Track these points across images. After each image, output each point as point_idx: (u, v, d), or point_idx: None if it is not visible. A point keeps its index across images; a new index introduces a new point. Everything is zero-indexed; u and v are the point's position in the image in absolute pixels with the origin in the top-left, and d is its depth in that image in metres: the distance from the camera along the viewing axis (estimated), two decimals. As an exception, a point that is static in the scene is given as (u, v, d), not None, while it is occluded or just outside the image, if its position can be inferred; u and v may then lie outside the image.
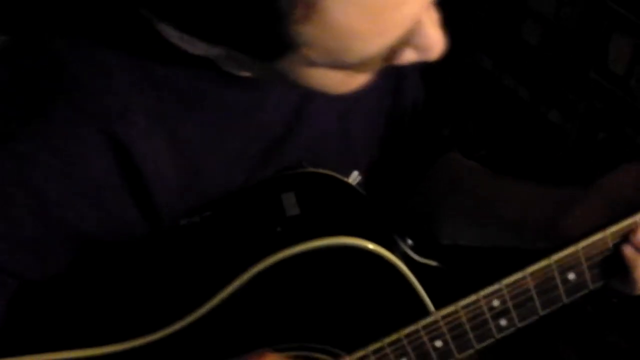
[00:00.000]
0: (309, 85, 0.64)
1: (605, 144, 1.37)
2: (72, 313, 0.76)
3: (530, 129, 1.50)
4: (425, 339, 0.75)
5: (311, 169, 0.79)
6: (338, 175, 0.80)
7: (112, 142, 0.67)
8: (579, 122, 1.41)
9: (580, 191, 0.77)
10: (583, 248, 0.72)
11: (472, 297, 0.73)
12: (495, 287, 0.73)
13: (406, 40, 0.60)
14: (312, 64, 0.59)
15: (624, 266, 0.73)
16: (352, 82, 0.64)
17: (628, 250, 0.72)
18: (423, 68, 0.86)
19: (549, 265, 0.72)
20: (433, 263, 0.77)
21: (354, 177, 0.84)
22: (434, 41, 0.61)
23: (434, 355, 0.75)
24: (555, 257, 0.72)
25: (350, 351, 0.76)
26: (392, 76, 0.83)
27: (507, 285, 0.73)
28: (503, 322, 0.74)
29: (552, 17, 1.39)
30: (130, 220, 0.72)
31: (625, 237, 0.72)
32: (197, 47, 0.61)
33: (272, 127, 0.76)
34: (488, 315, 0.74)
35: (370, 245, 0.72)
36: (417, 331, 0.74)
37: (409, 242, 0.77)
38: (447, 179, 0.89)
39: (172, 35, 0.61)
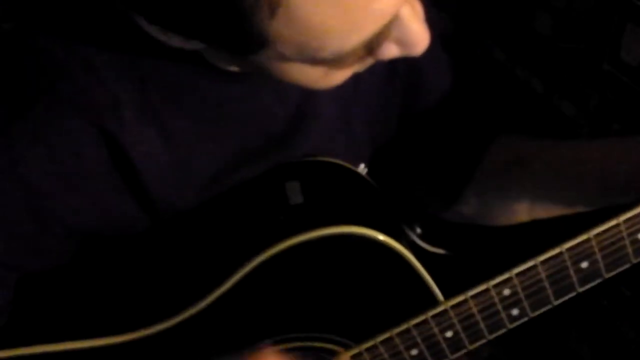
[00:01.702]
0: (289, 80, 0.62)
1: (619, 136, 1.35)
2: (77, 304, 0.75)
3: (543, 121, 1.48)
4: (435, 329, 0.73)
5: (317, 158, 0.78)
6: (344, 163, 0.79)
7: (102, 135, 0.66)
8: (592, 114, 1.39)
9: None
10: (595, 236, 0.70)
11: (482, 287, 0.71)
12: (506, 276, 0.71)
13: (384, 37, 0.58)
14: (287, 59, 0.58)
15: None
16: (333, 77, 0.63)
17: None
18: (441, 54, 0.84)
19: (560, 254, 0.70)
20: (442, 251, 0.75)
21: (361, 170, 0.83)
22: (415, 36, 0.59)
23: (444, 345, 0.74)
24: (567, 245, 0.70)
25: (358, 341, 0.74)
26: (401, 66, 0.81)
27: (518, 274, 0.71)
28: (515, 311, 0.73)
29: (563, 7, 1.37)
30: (127, 213, 0.71)
31: None
32: (174, 41, 0.60)
33: (273, 121, 0.75)
34: (499, 305, 0.72)
35: (377, 235, 0.70)
36: (426, 321, 0.73)
37: (418, 230, 0.76)
38: (507, 157, 0.84)
39: (150, 28, 0.60)
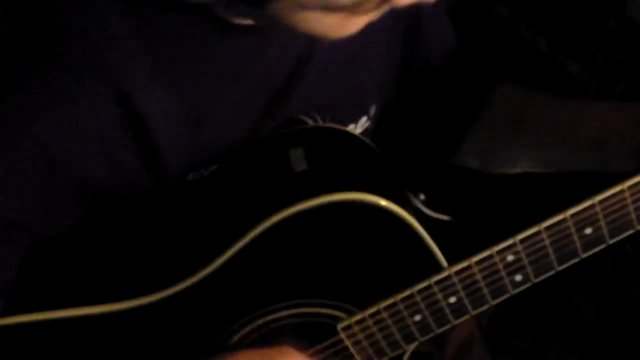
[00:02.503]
0: (305, 30, 0.62)
1: (626, 95, 1.34)
2: (80, 270, 0.76)
3: (549, 80, 1.47)
4: (439, 295, 0.73)
5: (320, 124, 0.78)
6: (349, 130, 0.79)
7: (114, 93, 0.66)
8: (598, 73, 1.38)
9: None
10: (599, 202, 0.70)
11: (486, 252, 0.72)
12: (510, 242, 0.71)
13: None
14: (303, 7, 0.58)
15: None
16: (348, 25, 0.62)
17: None
18: (442, 10, 0.83)
19: (564, 220, 0.70)
20: (446, 218, 0.75)
21: (362, 124, 0.83)
22: None
23: (447, 311, 0.74)
24: (571, 211, 0.70)
25: (362, 307, 0.75)
26: (403, 18, 0.81)
27: (522, 240, 0.71)
28: (518, 277, 0.73)
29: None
30: (136, 171, 0.71)
31: None
32: None
33: (277, 75, 0.74)
34: (503, 271, 0.72)
35: (381, 201, 0.70)
36: (429, 287, 0.73)
37: (422, 196, 0.75)
38: (508, 109, 0.84)
39: None
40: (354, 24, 0.62)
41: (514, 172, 0.84)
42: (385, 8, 0.62)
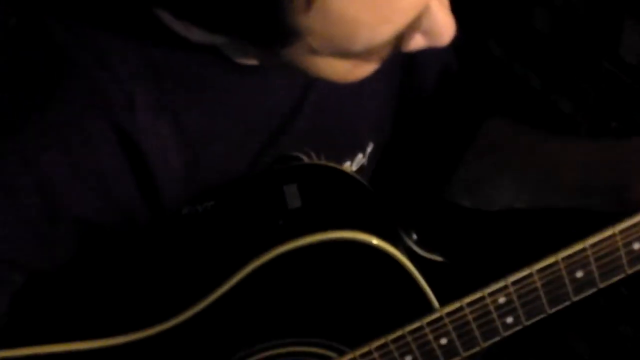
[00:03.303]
0: (315, 74, 0.63)
1: (617, 133, 1.35)
2: (74, 305, 0.76)
3: (541, 117, 1.48)
4: (430, 336, 0.73)
5: (315, 161, 0.78)
6: (342, 168, 0.79)
7: (117, 131, 0.66)
8: (590, 112, 1.39)
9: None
10: (591, 246, 0.70)
11: (478, 294, 0.71)
12: (502, 284, 0.71)
13: (414, 28, 0.58)
14: (317, 52, 0.58)
15: None
16: (359, 70, 0.63)
17: None
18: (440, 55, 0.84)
19: (556, 263, 0.70)
20: (438, 258, 0.76)
21: (358, 161, 0.83)
22: (443, 26, 0.60)
23: (439, 352, 0.74)
24: (563, 254, 0.70)
25: (353, 347, 0.74)
26: (400, 56, 0.81)
27: (514, 283, 0.71)
28: (509, 319, 0.73)
29: (561, 3, 1.36)
30: (134, 207, 0.71)
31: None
32: (197, 35, 0.60)
33: (276, 112, 0.75)
34: (494, 313, 0.72)
35: (374, 240, 0.70)
36: (421, 328, 0.73)
37: (414, 236, 0.76)
38: (496, 144, 0.85)
39: (171, 21, 0.60)
40: (364, 69, 0.63)
41: (499, 207, 0.85)
42: (392, 52, 0.63)
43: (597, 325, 1.40)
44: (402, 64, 0.84)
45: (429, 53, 0.83)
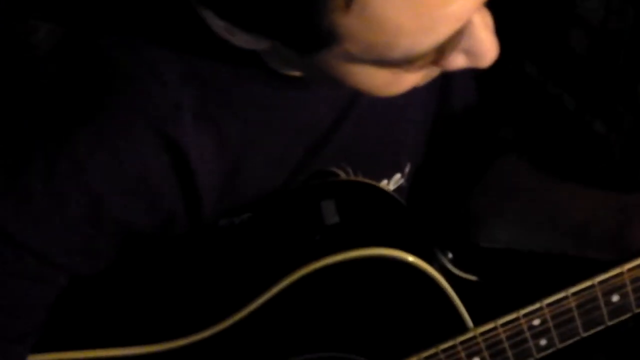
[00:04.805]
0: (353, 84, 0.62)
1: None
2: (112, 311, 0.76)
3: (575, 139, 1.47)
4: (462, 354, 0.73)
5: (353, 178, 0.79)
6: (380, 185, 0.80)
7: (164, 140, 0.67)
8: (624, 134, 1.38)
9: None
10: (628, 271, 0.70)
11: (512, 315, 0.72)
12: (537, 305, 0.71)
13: (456, 43, 0.58)
14: (355, 59, 0.58)
15: None
16: (398, 83, 0.62)
17: None
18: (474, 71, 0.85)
19: (592, 286, 0.70)
20: (473, 278, 0.76)
21: (396, 180, 0.83)
22: (485, 46, 0.59)
23: (471, 371, 0.74)
24: (599, 278, 0.70)
25: (387, 364, 0.75)
26: (438, 79, 0.82)
27: (548, 305, 0.71)
28: (543, 341, 0.73)
29: (598, 24, 1.35)
30: (175, 216, 0.72)
31: None
32: (239, 39, 0.60)
33: (316, 128, 0.75)
34: (528, 334, 0.72)
35: (410, 258, 0.71)
36: (454, 347, 0.73)
37: (449, 255, 0.76)
38: (505, 181, 0.86)
39: (216, 25, 0.60)
40: (403, 83, 0.62)
41: (496, 246, 0.86)
42: (433, 72, 0.63)
43: (623, 346, 1.39)
44: (439, 89, 0.84)
45: (460, 81, 0.85)
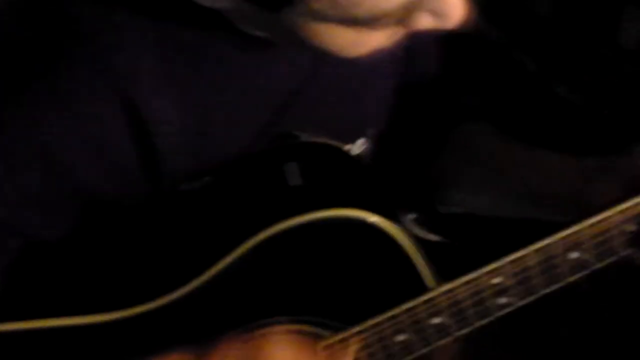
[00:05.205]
0: (318, 43, 0.61)
1: (614, 120, 1.35)
2: (70, 279, 0.76)
3: (538, 103, 1.49)
4: (424, 314, 0.74)
5: (316, 140, 0.78)
6: (343, 147, 0.79)
7: (121, 99, 0.66)
8: (587, 97, 1.40)
9: (603, 164, 0.76)
10: (588, 227, 0.71)
11: (474, 274, 0.72)
12: (498, 264, 0.72)
13: (422, 2, 0.57)
14: (319, 17, 0.57)
15: None
16: (363, 43, 0.62)
17: None
18: (439, 38, 0.85)
19: (552, 243, 0.71)
20: (436, 238, 0.76)
21: (360, 144, 0.83)
22: (452, 6, 0.59)
23: (431, 331, 0.75)
24: (559, 235, 0.71)
25: (349, 325, 0.75)
26: (403, 45, 0.81)
27: (510, 262, 0.72)
28: (503, 299, 0.74)
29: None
30: (134, 178, 0.71)
31: (634, 217, 0.71)
32: None
33: (281, 91, 0.75)
34: (489, 293, 0.73)
35: (372, 218, 0.71)
36: (416, 306, 0.73)
37: (412, 216, 0.76)
38: (467, 147, 0.88)
39: None
40: (368, 43, 0.62)
41: (457, 210, 0.87)
42: (399, 33, 0.62)
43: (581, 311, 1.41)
44: (403, 57, 0.84)
45: (426, 50, 0.85)
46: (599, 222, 0.70)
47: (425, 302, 0.73)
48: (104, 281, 0.75)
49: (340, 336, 0.75)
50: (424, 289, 0.73)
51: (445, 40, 0.87)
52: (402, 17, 0.58)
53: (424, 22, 0.60)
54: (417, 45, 0.83)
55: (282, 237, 0.70)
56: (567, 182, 0.77)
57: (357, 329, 0.74)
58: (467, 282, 0.73)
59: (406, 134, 0.90)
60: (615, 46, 1.29)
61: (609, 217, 0.70)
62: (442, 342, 0.76)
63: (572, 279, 0.73)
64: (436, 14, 0.59)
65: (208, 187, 0.74)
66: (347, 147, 0.81)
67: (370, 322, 0.74)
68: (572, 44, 1.39)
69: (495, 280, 0.73)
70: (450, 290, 0.73)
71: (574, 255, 0.72)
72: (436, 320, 0.74)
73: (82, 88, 0.65)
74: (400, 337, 0.75)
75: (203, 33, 0.67)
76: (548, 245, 0.71)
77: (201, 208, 0.74)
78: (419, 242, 0.73)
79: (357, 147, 0.83)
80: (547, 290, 0.74)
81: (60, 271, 0.76)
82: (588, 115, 1.39)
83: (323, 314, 0.75)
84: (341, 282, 0.74)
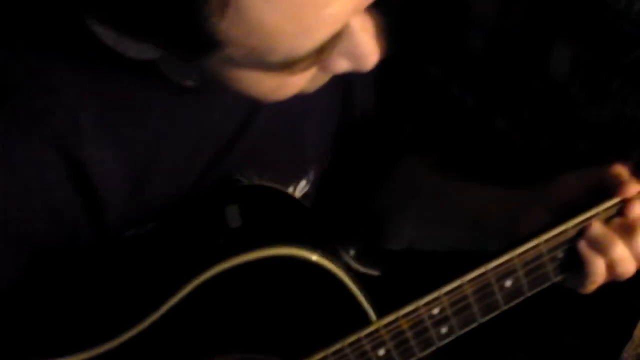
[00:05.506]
0: (240, 90, 0.62)
1: (549, 151, 1.39)
2: (17, 324, 0.75)
3: (477, 136, 1.52)
4: (367, 347, 0.76)
5: (256, 182, 0.80)
6: (282, 188, 0.81)
7: (60, 151, 0.67)
8: (524, 129, 1.43)
9: (534, 193, 0.79)
10: (518, 255, 0.73)
11: (412, 306, 0.74)
12: (435, 294, 0.74)
13: (334, 46, 0.58)
14: (238, 64, 0.58)
15: (579, 263, 0.74)
16: (284, 87, 0.62)
17: (582, 245, 0.74)
18: (377, 74, 0.87)
19: (485, 273, 0.74)
20: (375, 273, 0.78)
21: (302, 187, 0.85)
22: (365, 50, 0.60)
23: (378, 363, 0.77)
24: (492, 264, 0.74)
25: (294, 361, 0.76)
26: (340, 85, 0.84)
27: (446, 293, 0.74)
28: (444, 329, 0.76)
29: (494, 24, 1.41)
30: (78, 227, 0.72)
31: (562, 243, 0.74)
32: (128, 48, 0.60)
33: (219, 135, 0.76)
34: (429, 323, 0.75)
35: (312, 256, 0.73)
36: (359, 340, 0.75)
37: (352, 252, 0.78)
38: (407, 181, 0.90)
39: (105, 35, 0.60)
40: (289, 88, 0.62)
41: (398, 246, 0.90)
42: (320, 79, 0.64)
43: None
44: (342, 94, 0.86)
45: (363, 88, 0.87)
46: (527, 250, 0.73)
47: (368, 335, 0.75)
48: (50, 327, 0.75)
49: (286, 372, 0.76)
50: (367, 322, 0.75)
51: (383, 77, 0.90)
52: (317, 61, 0.59)
53: (341, 65, 0.62)
54: (354, 84, 0.86)
55: (224, 276, 0.71)
56: (504, 213, 0.80)
57: (303, 364, 0.76)
58: (407, 314, 0.75)
59: (347, 170, 0.92)
60: (546, 79, 1.34)
61: (537, 245, 0.73)
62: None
63: (507, 307, 0.76)
64: (351, 56, 0.61)
65: (152, 232, 0.75)
66: (289, 190, 0.83)
67: (316, 357, 0.76)
68: (505, 78, 1.43)
69: (435, 311, 0.75)
70: (391, 322, 0.75)
71: (508, 283, 0.75)
72: (381, 352, 0.76)
73: (20, 142, 0.65)
74: (348, 370, 0.77)
75: (137, 80, 0.68)
76: (481, 274, 0.73)
77: (144, 253, 0.75)
78: (360, 277, 0.75)
79: (299, 190, 0.85)
80: (486, 319, 0.77)
81: (7, 317, 0.76)
82: (527, 147, 1.43)
83: (272, 350, 0.76)
84: (287, 319, 0.76)
